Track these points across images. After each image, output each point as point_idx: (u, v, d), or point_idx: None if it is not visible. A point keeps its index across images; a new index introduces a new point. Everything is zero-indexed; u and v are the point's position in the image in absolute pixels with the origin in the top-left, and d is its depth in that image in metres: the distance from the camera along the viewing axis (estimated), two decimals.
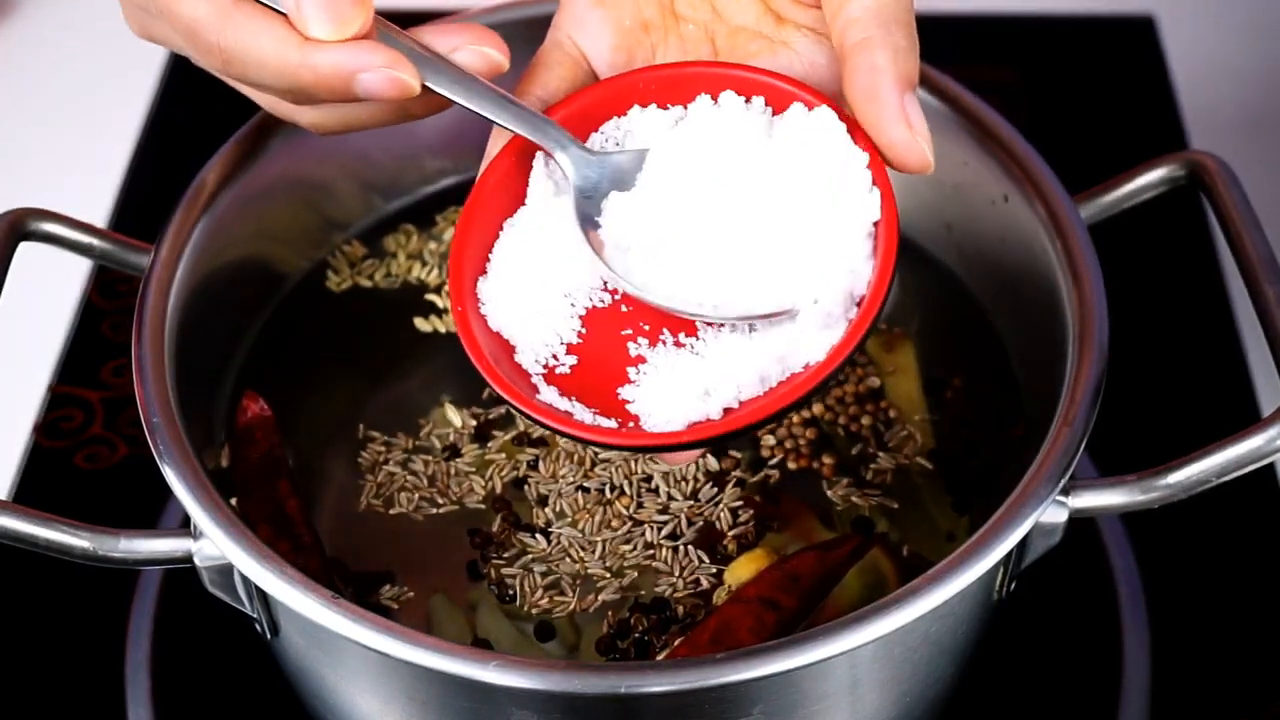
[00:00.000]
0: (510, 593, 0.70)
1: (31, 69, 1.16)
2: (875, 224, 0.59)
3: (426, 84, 0.61)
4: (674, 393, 0.60)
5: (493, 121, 0.63)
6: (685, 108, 0.64)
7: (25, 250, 0.71)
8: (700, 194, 0.62)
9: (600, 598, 0.70)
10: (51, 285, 0.97)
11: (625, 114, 0.65)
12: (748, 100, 0.63)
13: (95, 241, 0.74)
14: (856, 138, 0.60)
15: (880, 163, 0.60)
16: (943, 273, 0.82)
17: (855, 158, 0.60)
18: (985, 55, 1.13)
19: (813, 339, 0.59)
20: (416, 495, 0.74)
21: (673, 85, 0.65)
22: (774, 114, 0.63)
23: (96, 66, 1.14)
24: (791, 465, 0.75)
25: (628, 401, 0.61)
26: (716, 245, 0.61)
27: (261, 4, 0.59)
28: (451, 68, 0.62)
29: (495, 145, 0.66)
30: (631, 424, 0.60)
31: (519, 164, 0.64)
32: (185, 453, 0.64)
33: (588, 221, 0.63)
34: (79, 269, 0.98)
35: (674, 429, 0.59)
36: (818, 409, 0.76)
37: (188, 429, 0.65)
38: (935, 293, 0.81)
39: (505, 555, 0.72)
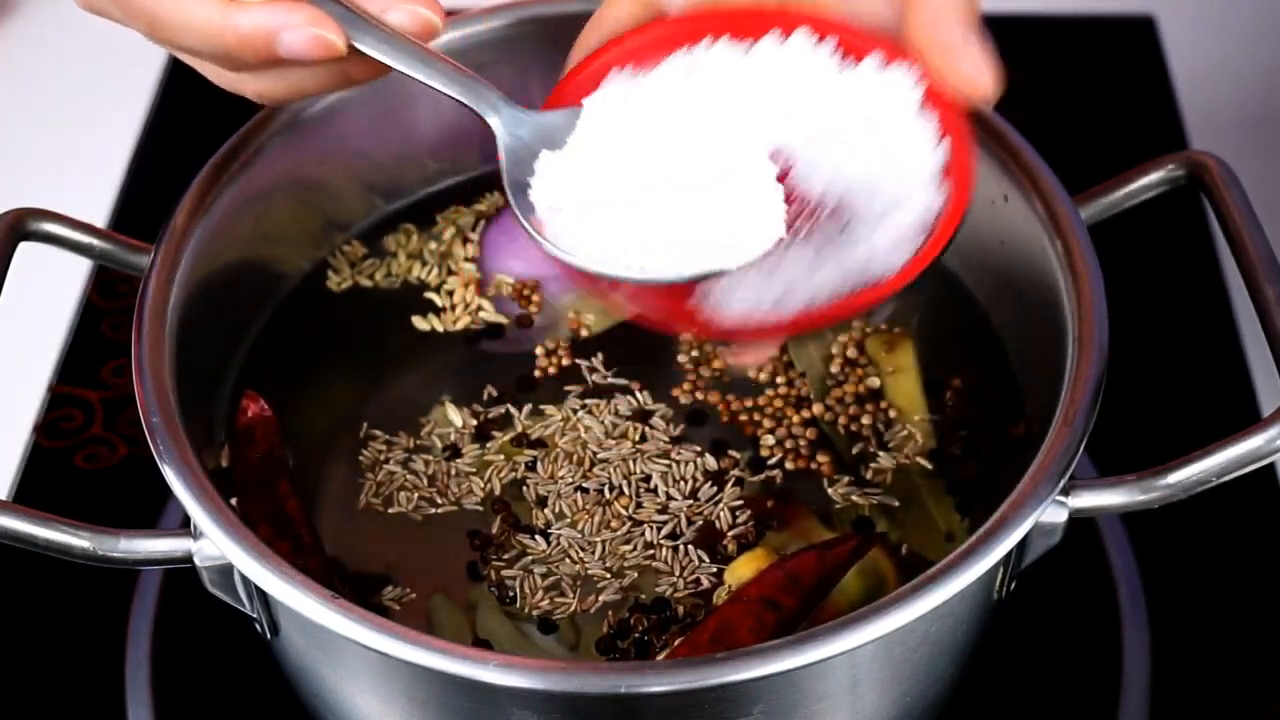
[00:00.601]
0: (511, 594, 0.70)
1: (31, 69, 1.16)
2: (945, 166, 0.64)
3: (354, 44, 0.60)
4: (744, 299, 0.62)
5: (422, 82, 0.62)
6: (755, 41, 0.65)
7: (25, 250, 0.71)
8: (632, 152, 0.63)
9: (601, 598, 0.70)
10: (51, 285, 0.97)
11: (695, 45, 0.65)
12: (820, 40, 0.65)
13: (95, 241, 0.74)
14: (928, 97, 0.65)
15: (949, 106, 0.64)
16: (943, 273, 0.81)
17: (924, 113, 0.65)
18: None
19: (883, 260, 0.63)
20: (416, 495, 0.74)
21: (746, 20, 0.66)
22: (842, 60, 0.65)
23: (96, 66, 1.14)
24: (791, 465, 0.75)
25: (697, 311, 0.63)
26: (644, 205, 0.62)
27: None
28: (383, 29, 0.61)
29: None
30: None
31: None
32: (185, 453, 0.64)
33: (520, 185, 0.63)
34: (79, 269, 0.98)
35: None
36: (818, 409, 0.76)
37: (188, 429, 0.65)
38: (935, 293, 0.81)
39: (505, 557, 0.72)
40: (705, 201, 0.61)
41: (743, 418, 0.76)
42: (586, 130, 0.64)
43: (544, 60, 0.83)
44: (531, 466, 0.75)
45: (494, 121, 0.63)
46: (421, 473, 0.75)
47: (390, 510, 0.74)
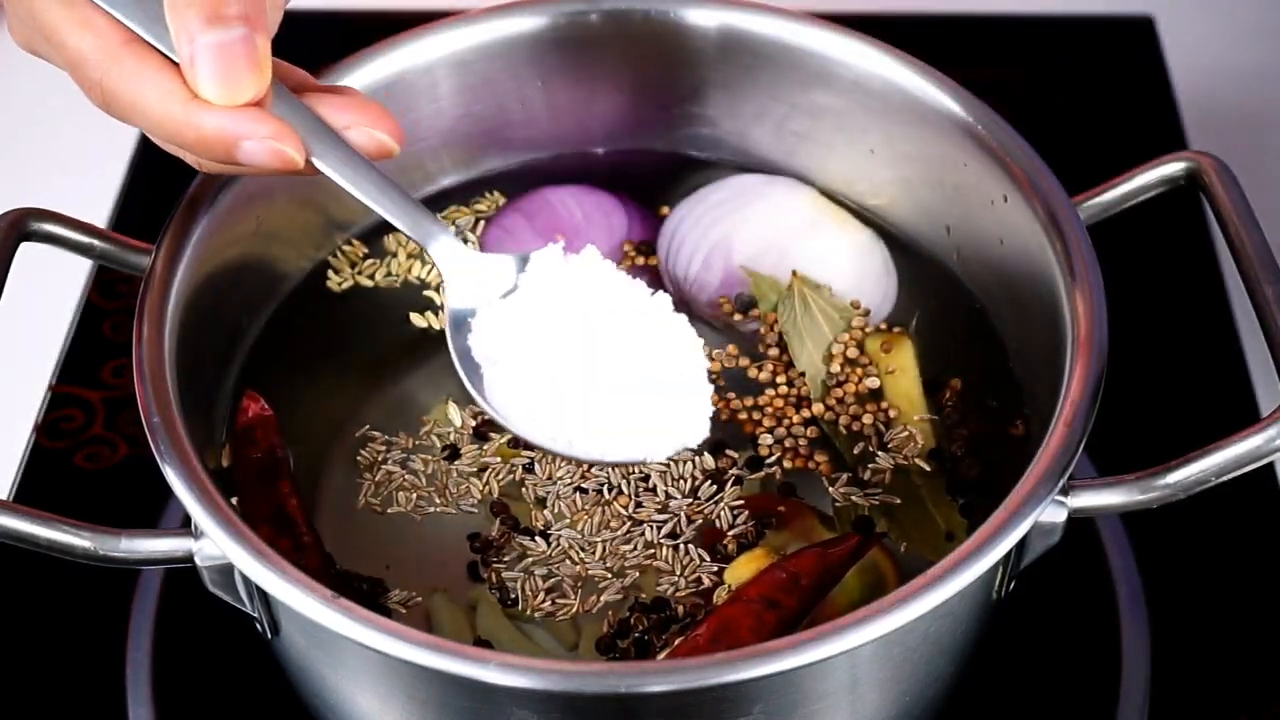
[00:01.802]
0: (512, 596, 0.70)
1: (32, 69, 1.15)
2: None
3: (311, 159, 0.60)
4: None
5: (370, 207, 0.63)
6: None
7: (26, 250, 0.71)
8: (573, 319, 0.64)
9: (602, 598, 0.70)
10: (52, 285, 0.97)
11: None
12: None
13: (96, 242, 0.74)
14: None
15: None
16: (943, 273, 0.82)
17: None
18: (985, 55, 1.13)
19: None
20: (415, 495, 0.74)
21: None
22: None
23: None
24: (790, 465, 0.75)
25: None
26: (580, 379, 0.64)
27: (153, 49, 0.58)
28: (340, 145, 0.61)
29: None
30: None
31: None
32: (186, 453, 0.64)
33: (460, 325, 0.64)
34: (79, 269, 0.98)
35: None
36: (817, 409, 0.76)
37: (188, 429, 0.65)
38: (935, 293, 0.81)
39: (506, 558, 0.72)
40: (639, 390, 0.64)
41: (741, 417, 0.76)
42: (530, 287, 0.66)
43: (544, 61, 0.83)
44: (530, 468, 0.75)
45: (437, 252, 0.64)
46: (421, 472, 0.75)
47: (389, 510, 0.74)
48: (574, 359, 0.64)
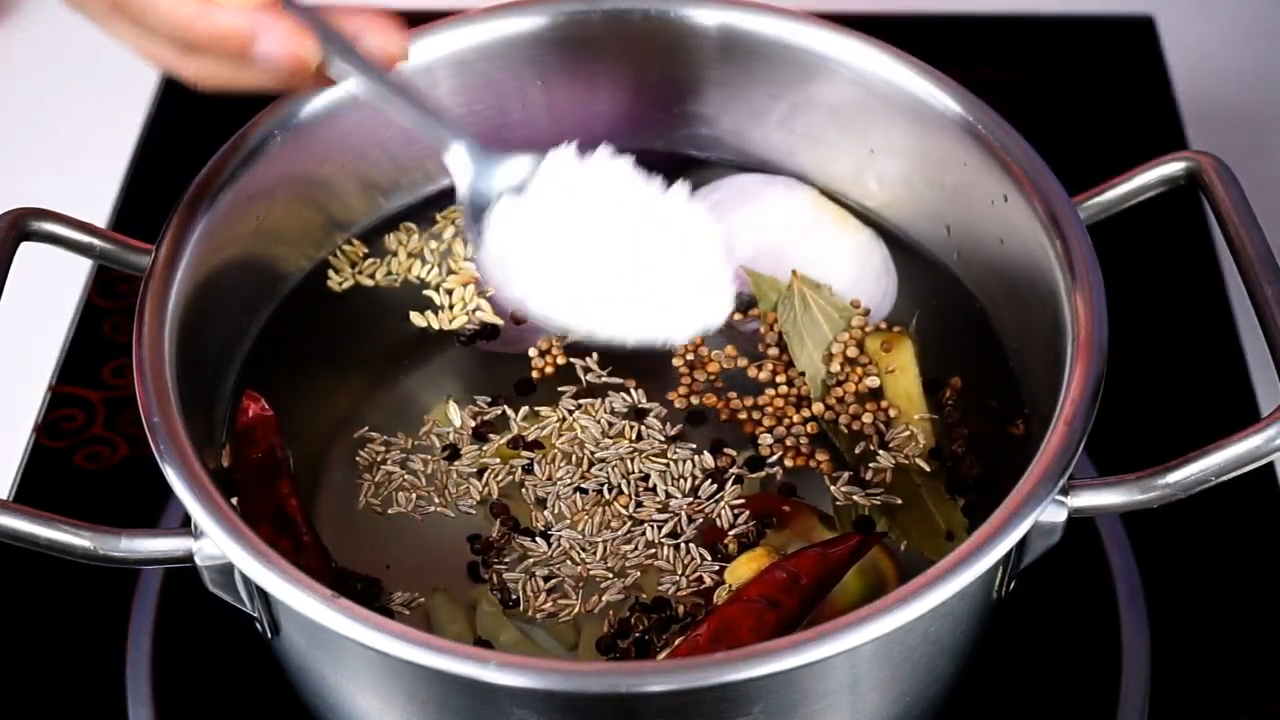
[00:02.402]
0: (514, 597, 0.70)
1: (32, 69, 1.16)
2: None
3: (323, 62, 0.61)
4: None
5: (382, 108, 0.64)
6: None
7: (26, 250, 0.71)
8: (590, 209, 0.65)
9: (604, 599, 0.70)
10: (52, 285, 0.97)
11: None
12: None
13: (96, 241, 0.74)
14: None
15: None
16: (943, 272, 0.82)
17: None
18: (985, 55, 1.13)
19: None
20: (415, 495, 0.74)
21: None
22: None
23: (97, 66, 1.14)
24: (790, 464, 0.75)
25: None
26: (599, 264, 0.65)
27: None
28: (350, 51, 0.62)
29: None
30: None
31: None
32: (186, 452, 0.64)
33: (478, 221, 0.64)
34: (80, 269, 0.98)
35: None
36: (817, 408, 0.76)
37: (188, 429, 0.65)
38: (935, 292, 0.81)
39: (506, 559, 0.72)
40: (657, 273, 0.65)
41: (741, 416, 0.76)
42: (547, 181, 0.67)
43: (544, 60, 0.83)
44: (529, 469, 0.75)
45: (454, 154, 0.65)
46: (420, 472, 0.75)
47: (389, 511, 0.74)
48: (592, 245, 0.65)
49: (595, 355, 0.78)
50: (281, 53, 0.59)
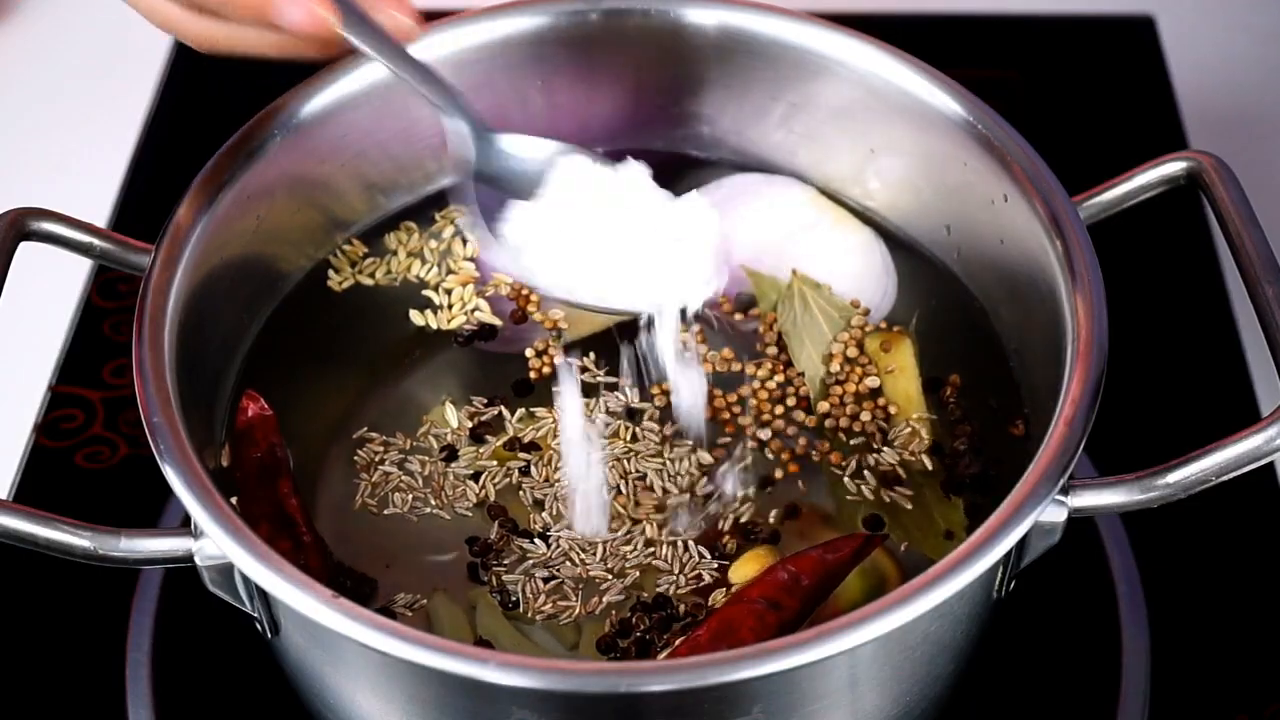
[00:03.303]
0: (514, 599, 0.70)
1: (32, 69, 1.16)
2: None
3: (341, 29, 0.62)
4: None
5: (395, 74, 0.66)
6: None
7: (26, 250, 0.71)
8: (596, 204, 0.70)
9: (604, 599, 0.70)
10: (52, 285, 0.97)
11: None
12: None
13: (96, 241, 0.74)
14: None
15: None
16: (943, 272, 0.82)
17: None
18: (985, 55, 1.13)
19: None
20: (410, 496, 0.74)
21: None
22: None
23: (97, 66, 1.14)
24: (790, 464, 0.75)
25: None
26: (595, 245, 0.69)
27: None
28: (364, 23, 0.64)
29: None
30: None
31: None
32: (186, 452, 0.64)
33: (488, 205, 0.68)
34: (80, 269, 0.99)
35: None
36: (822, 407, 0.76)
37: (188, 428, 0.65)
38: (935, 292, 0.81)
39: (506, 561, 0.72)
40: (648, 246, 0.69)
41: (741, 416, 0.76)
42: (562, 178, 0.71)
43: (544, 60, 0.83)
44: (526, 470, 0.74)
45: (458, 128, 0.67)
46: (418, 473, 0.75)
47: (386, 511, 0.74)
48: (595, 227, 0.69)
49: (591, 355, 0.78)
50: (302, 17, 0.60)
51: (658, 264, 0.70)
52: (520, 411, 0.77)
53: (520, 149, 0.72)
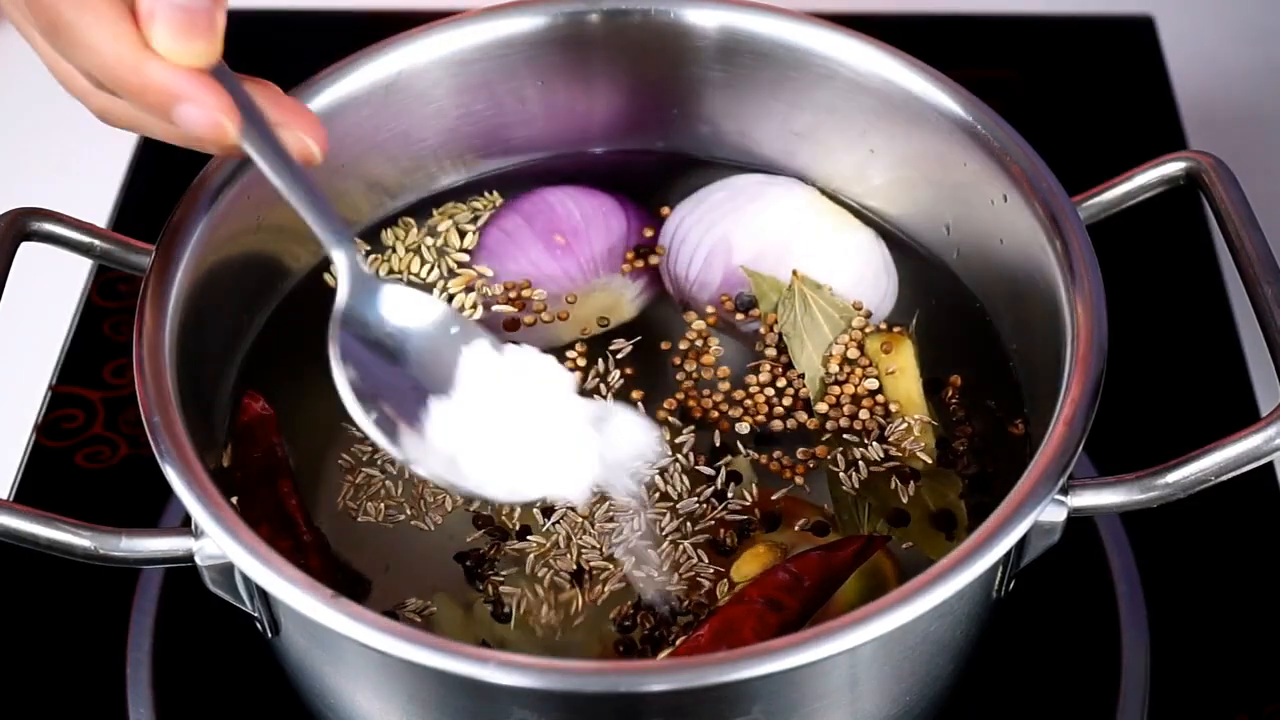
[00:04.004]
0: (506, 610, 0.70)
1: (32, 69, 1.15)
2: None
3: (239, 141, 0.61)
4: None
5: (284, 195, 0.63)
6: None
7: (26, 250, 0.71)
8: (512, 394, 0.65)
9: (606, 589, 0.70)
10: (52, 285, 0.97)
11: None
12: None
13: (96, 241, 0.74)
14: None
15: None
16: (942, 273, 0.82)
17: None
18: (985, 55, 1.13)
19: None
20: (383, 504, 0.74)
21: None
22: None
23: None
24: (790, 464, 0.75)
25: None
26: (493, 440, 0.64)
27: None
28: (269, 137, 0.62)
29: None
30: None
31: None
32: (186, 452, 0.64)
33: (353, 344, 0.64)
34: (80, 269, 0.99)
35: None
36: (821, 407, 0.76)
37: (189, 428, 0.65)
38: (935, 293, 0.81)
39: (503, 573, 0.71)
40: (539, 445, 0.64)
41: (741, 417, 0.76)
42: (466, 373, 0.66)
43: (544, 60, 0.83)
44: None
45: (340, 261, 0.64)
46: (397, 478, 0.74)
47: (373, 513, 0.73)
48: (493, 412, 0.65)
49: (581, 349, 0.78)
50: (203, 123, 0.59)
51: (566, 450, 0.65)
52: None
53: (406, 304, 0.66)
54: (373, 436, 0.63)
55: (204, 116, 0.59)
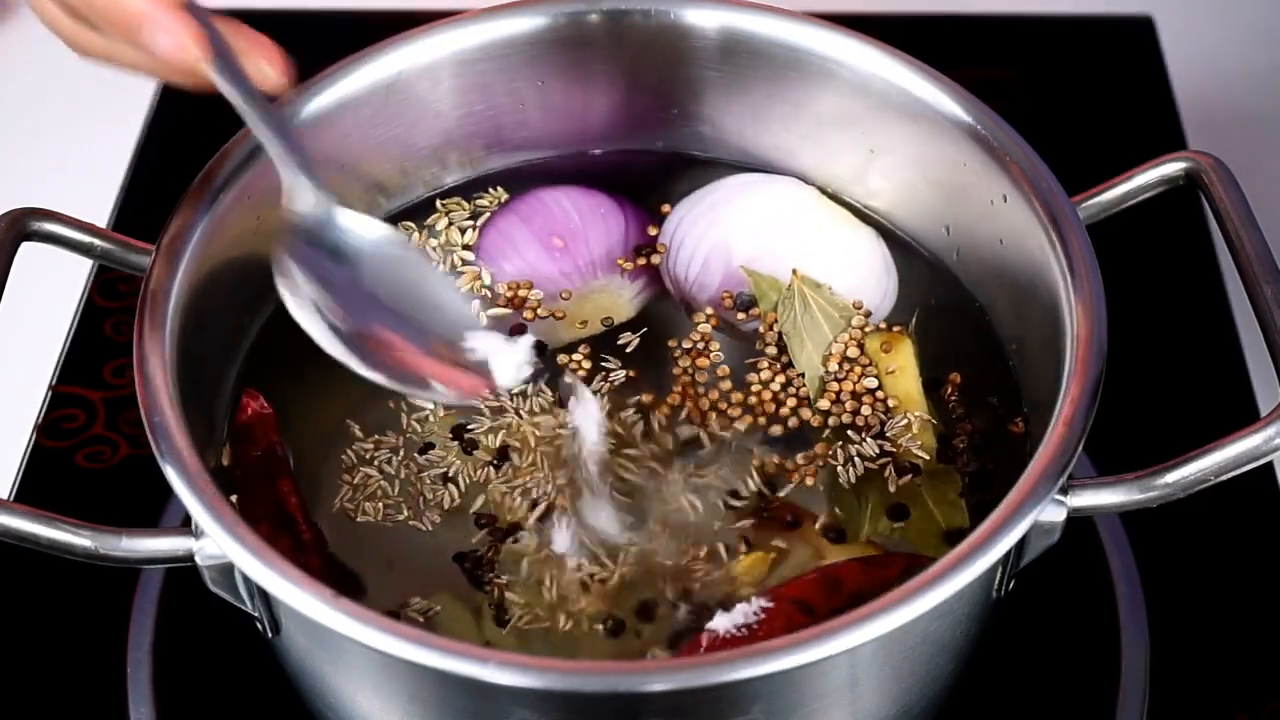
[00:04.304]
0: (507, 616, 0.70)
1: (33, 69, 1.16)
2: None
3: (205, 66, 0.64)
4: None
5: (247, 123, 0.68)
6: None
7: (26, 250, 0.71)
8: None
9: (607, 589, 0.70)
10: (53, 285, 0.97)
11: None
12: None
13: (96, 241, 0.74)
14: None
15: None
16: (942, 273, 0.82)
17: None
18: (985, 55, 1.13)
19: None
20: (383, 503, 0.74)
21: None
22: None
23: (98, 67, 1.14)
24: (790, 465, 0.75)
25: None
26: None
27: None
28: (237, 69, 0.66)
29: None
30: None
31: None
32: (186, 452, 0.64)
33: (302, 232, 0.71)
34: (80, 269, 0.99)
35: None
36: (822, 404, 0.76)
37: (189, 428, 0.66)
38: (935, 292, 0.81)
39: (504, 577, 0.71)
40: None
41: (741, 417, 0.76)
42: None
43: (544, 60, 0.83)
44: (514, 472, 0.74)
45: (294, 186, 0.69)
46: (395, 478, 0.74)
47: (372, 512, 0.73)
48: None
49: (582, 351, 0.78)
50: (168, 46, 0.62)
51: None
52: (512, 415, 0.76)
53: (355, 225, 0.72)
54: (321, 341, 0.69)
55: (172, 40, 0.62)
